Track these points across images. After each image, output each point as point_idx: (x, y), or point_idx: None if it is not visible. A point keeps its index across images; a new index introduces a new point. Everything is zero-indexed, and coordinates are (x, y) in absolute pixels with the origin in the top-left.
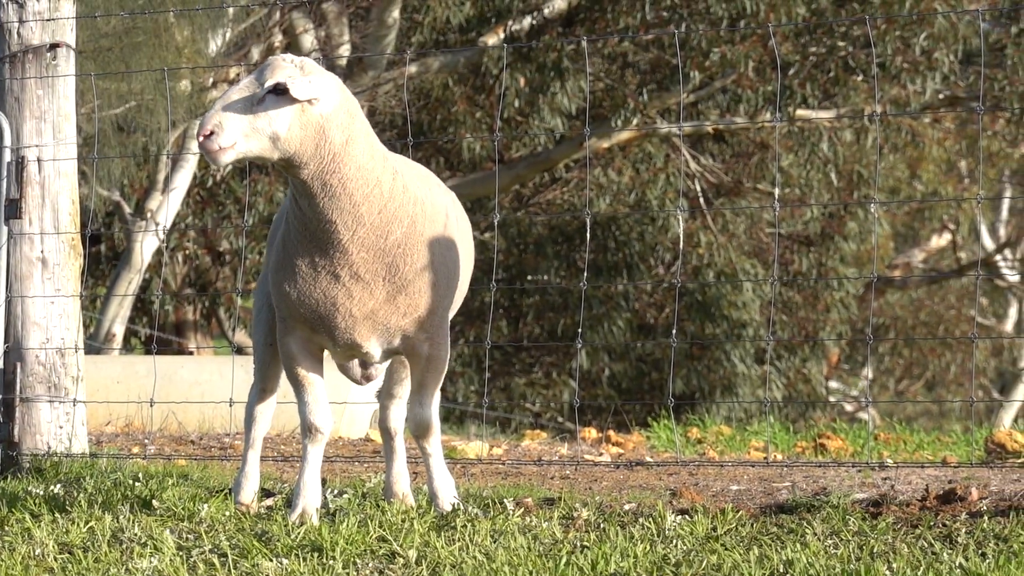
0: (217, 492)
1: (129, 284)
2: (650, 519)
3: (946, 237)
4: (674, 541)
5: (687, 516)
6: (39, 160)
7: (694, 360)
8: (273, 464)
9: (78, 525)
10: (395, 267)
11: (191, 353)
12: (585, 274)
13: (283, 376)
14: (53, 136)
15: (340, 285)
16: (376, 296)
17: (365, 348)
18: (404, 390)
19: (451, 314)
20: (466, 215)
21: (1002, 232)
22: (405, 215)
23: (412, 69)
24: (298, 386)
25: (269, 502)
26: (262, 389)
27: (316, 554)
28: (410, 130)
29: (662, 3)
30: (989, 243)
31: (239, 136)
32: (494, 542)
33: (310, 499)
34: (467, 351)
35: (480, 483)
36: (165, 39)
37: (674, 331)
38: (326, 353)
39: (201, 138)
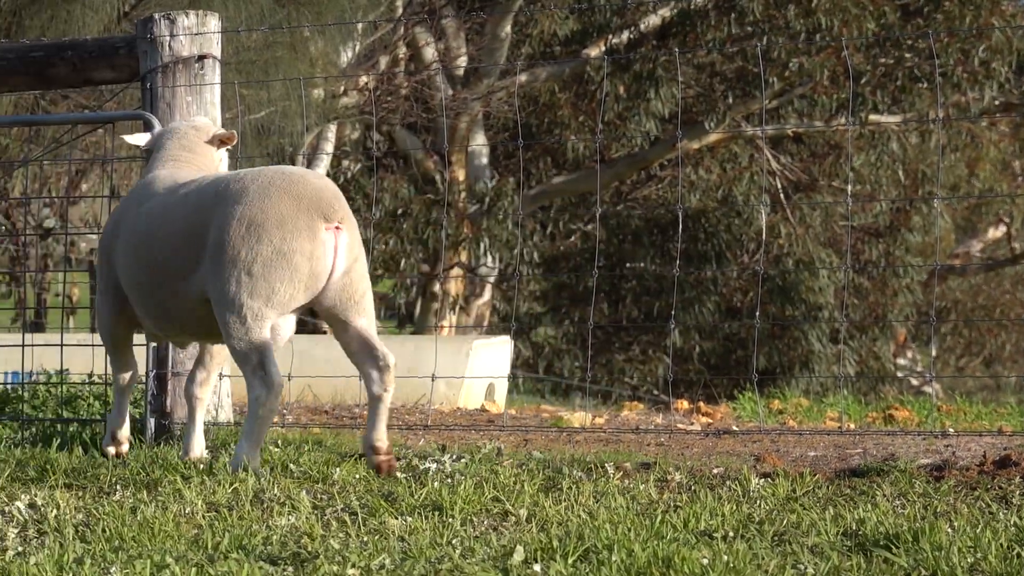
0: (348, 457)
1: None
2: (736, 482)
3: (1001, 229)
4: (758, 502)
5: (769, 479)
6: None
7: (775, 339)
8: (397, 432)
9: (224, 486)
10: None
11: (324, 333)
12: (678, 262)
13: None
14: None
15: None
16: None
17: None
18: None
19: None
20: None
21: None
22: None
23: (522, 78)
24: None
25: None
26: None
27: (437, 513)
28: (520, 132)
29: (746, 19)
30: None
31: None
32: (596, 502)
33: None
34: (572, 331)
35: (584, 449)
36: (301, 51)
37: (757, 313)
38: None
39: None
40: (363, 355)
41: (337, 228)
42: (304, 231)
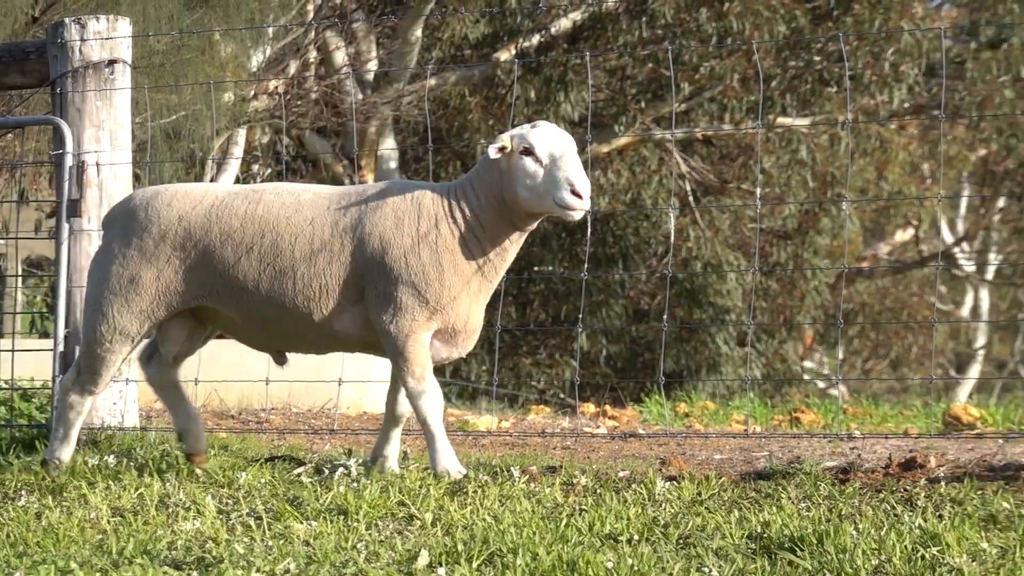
0: (254, 461)
1: None
2: (642, 485)
3: (909, 232)
4: (663, 505)
5: (675, 482)
6: (97, 164)
7: (683, 342)
8: (304, 437)
9: (129, 491)
10: None
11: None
12: (586, 265)
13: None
14: (110, 143)
15: None
16: None
17: None
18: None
19: None
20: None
21: (960, 227)
22: None
23: (432, 82)
24: None
25: (299, 470)
26: None
27: (342, 517)
28: (430, 136)
29: (657, 22)
30: (948, 237)
31: None
32: (502, 506)
33: None
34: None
35: (490, 453)
36: (211, 55)
37: (665, 316)
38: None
39: None
40: None
41: None
42: None
